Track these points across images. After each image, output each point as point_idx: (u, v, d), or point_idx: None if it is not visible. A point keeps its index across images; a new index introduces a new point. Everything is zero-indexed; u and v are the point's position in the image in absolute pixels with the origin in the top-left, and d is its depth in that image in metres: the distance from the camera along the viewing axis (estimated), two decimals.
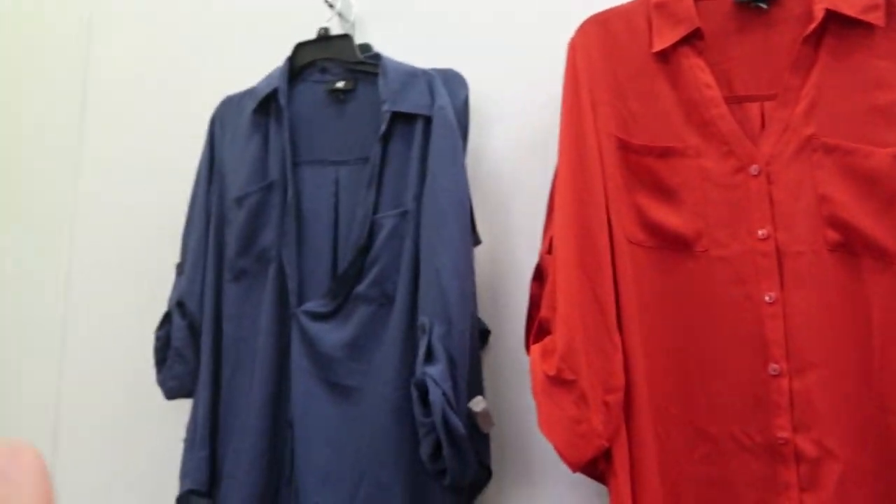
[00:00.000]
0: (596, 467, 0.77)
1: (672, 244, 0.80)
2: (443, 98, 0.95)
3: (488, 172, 1.03)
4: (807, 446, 0.73)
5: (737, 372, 0.76)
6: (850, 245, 0.74)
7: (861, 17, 0.75)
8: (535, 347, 0.80)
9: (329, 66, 1.04)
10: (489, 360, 0.96)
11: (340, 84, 1.02)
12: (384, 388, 0.89)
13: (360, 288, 0.92)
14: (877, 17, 0.75)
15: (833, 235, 0.74)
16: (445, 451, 0.81)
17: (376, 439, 0.88)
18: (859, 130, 0.75)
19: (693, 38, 0.82)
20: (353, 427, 0.89)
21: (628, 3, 0.88)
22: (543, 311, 0.82)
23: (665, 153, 0.82)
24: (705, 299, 0.78)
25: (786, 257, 0.76)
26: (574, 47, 0.88)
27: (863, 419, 0.72)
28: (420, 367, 0.83)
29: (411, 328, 0.89)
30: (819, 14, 0.77)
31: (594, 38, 0.87)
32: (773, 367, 0.74)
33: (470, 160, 0.97)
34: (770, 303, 0.75)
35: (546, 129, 0.95)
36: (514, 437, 0.94)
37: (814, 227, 0.75)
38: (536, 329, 0.83)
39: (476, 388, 0.89)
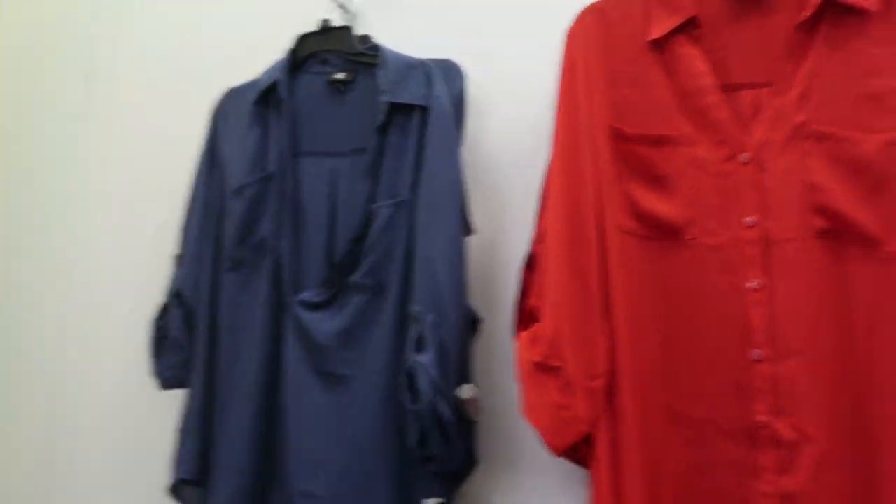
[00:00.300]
0: (579, 452, 0.82)
1: (662, 233, 0.84)
2: (440, 89, 1.00)
3: (485, 162, 1.08)
4: (785, 430, 0.76)
5: (720, 358, 0.80)
6: (837, 232, 0.77)
7: (856, 2, 0.79)
8: (523, 335, 0.84)
9: (330, 58, 1.10)
10: (481, 348, 1.01)
11: (340, 75, 1.09)
12: (376, 377, 0.94)
13: (355, 277, 0.97)
14: (871, 3, 0.79)
15: (820, 222, 0.78)
16: (433, 438, 0.86)
17: (366, 427, 0.93)
18: (851, 117, 0.78)
19: (689, 27, 0.86)
20: (344, 415, 0.95)
21: None
22: (533, 300, 0.86)
23: (658, 142, 0.86)
24: (693, 287, 0.82)
25: (773, 245, 0.79)
26: (571, 36, 0.93)
27: (842, 405, 0.76)
28: (410, 355, 0.88)
29: (404, 317, 0.94)
30: (814, 1, 0.80)
31: (591, 27, 0.92)
32: (756, 353, 0.78)
33: (467, 150, 1.02)
34: (755, 290, 0.79)
35: (543, 118, 1.00)
36: (504, 424, 0.99)
37: (802, 214, 0.79)
38: (525, 317, 0.87)
39: (466, 376, 0.94)
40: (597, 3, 0.93)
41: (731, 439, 0.78)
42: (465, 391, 0.90)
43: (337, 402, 0.95)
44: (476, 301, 1.01)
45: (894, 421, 0.74)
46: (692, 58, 0.86)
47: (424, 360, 0.87)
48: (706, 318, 0.81)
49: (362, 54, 1.08)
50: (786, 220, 0.79)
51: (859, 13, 0.79)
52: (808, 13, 0.81)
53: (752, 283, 0.80)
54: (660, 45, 0.88)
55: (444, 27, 1.15)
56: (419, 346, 0.88)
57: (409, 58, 1.05)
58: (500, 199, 1.07)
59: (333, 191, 1.04)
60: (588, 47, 0.91)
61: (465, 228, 0.98)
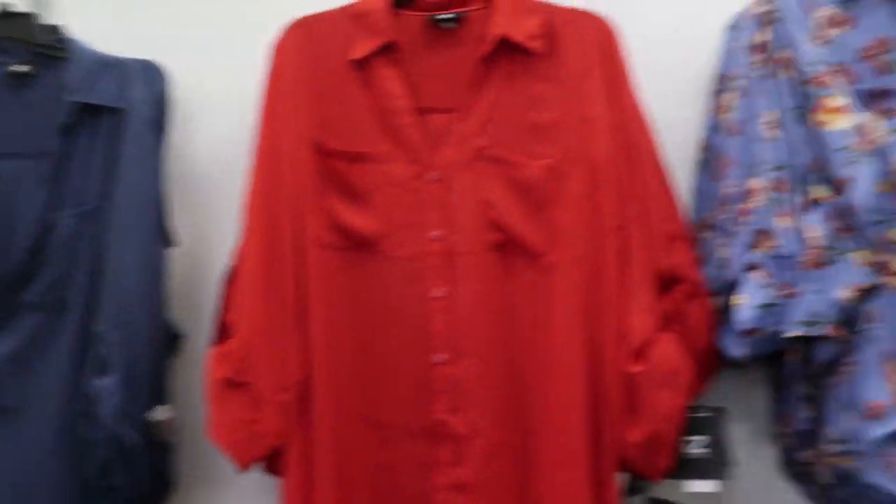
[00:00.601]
0: (273, 464, 0.83)
1: (358, 245, 0.89)
2: (137, 90, 0.96)
3: (191, 170, 1.06)
4: (459, 426, 0.86)
5: (406, 364, 0.87)
6: (507, 245, 0.88)
7: (526, 43, 0.90)
8: (214, 351, 0.84)
9: (9, 47, 0.99)
10: (184, 365, 0.98)
11: (21, 67, 0.98)
12: (52, 406, 0.87)
13: (28, 295, 0.89)
14: (538, 45, 0.91)
15: (493, 237, 0.88)
16: (116, 467, 0.82)
17: (39, 463, 0.86)
18: (521, 144, 0.90)
19: (388, 50, 0.92)
20: (13, 453, 0.86)
21: (334, 9, 0.96)
22: (228, 315, 0.86)
23: (357, 158, 0.91)
24: (385, 297, 0.88)
25: (456, 257, 0.88)
26: (277, 48, 0.94)
27: (508, 399, 0.87)
28: (92, 378, 0.83)
29: (88, 337, 0.87)
30: (491, 38, 0.90)
31: (299, 41, 0.94)
32: (437, 357, 0.87)
33: (172, 157, 0.99)
34: (438, 298, 0.88)
35: (253, 127, 1.00)
36: (208, 444, 0.96)
37: (479, 229, 0.88)
38: (224, 332, 0.86)
39: (160, 396, 0.91)
40: (305, 17, 0.95)
41: (414, 438, 0.86)
42: (159, 412, 0.87)
43: (5, 438, 0.85)
44: (181, 315, 0.98)
45: (549, 414, 0.86)
46: (389, 80, 0.91)
47: (107, 384, 0.82)
48: (396, 326, 0.88)
49: (49, 46, 0.99)
50: (466, 234, 0.89)
51: (529, 52, 0.91)
52: (486, 49, 0.90)
53: (436, 293, 0.88)
54: (361, 64, 0.92)
55: (151, 25, 1.09)
56: (102, 368, 0.83)
57: (105, 55, 0.99)
58: (206, 210, 1.05)
59: (9, 197, 0.93)
60: (295, 60, 0.93)
61: (165, 239, 0.95)
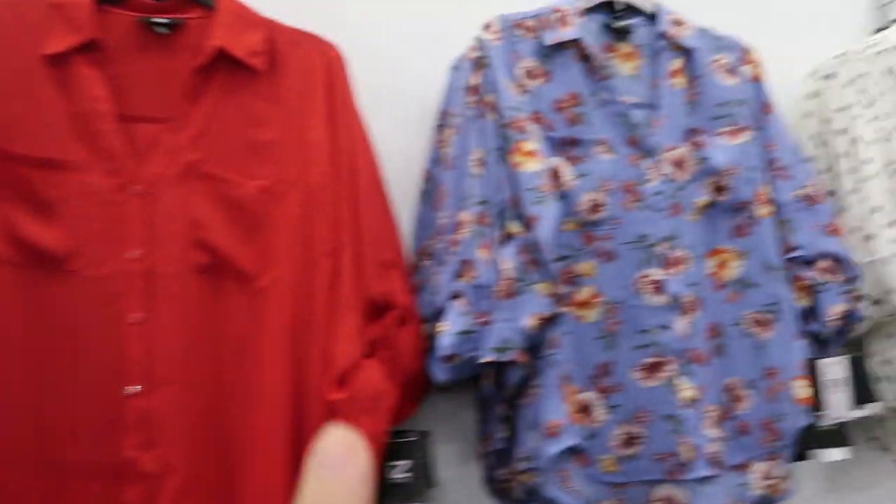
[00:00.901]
0: None
1: (42, 262, 0.80)
2: None
3: None
4: (150, 464, 0.79)
5: (95, 396, 0.79)
6: (216, 267, 0.84)
7: (246, 59, 0.88)
8: None
9: None
10: None
11: None
12: None
13: None
14: (259, 62, 0.88)
15: (201, 257, 0.84)
16: None
17: None
18: (236, 162, 0.86)
19: (90, 48, 0.84)
20: None
21: None
22: None
23: (46, 164, 0.81)
24: (72, 322, 0.80)
25: (158, 278, 0.82)
26: None
27: (209, 433, 0.82)
28: None
29: None
30: (208, 50, 0.86)
31: None
32: (130, 388, 0.80)
33: None
34: (135, 324, 0.81)
35: None
36: None
37: (186, 249, 0.83)
38: None
39: None
40: None
41: (99, 479, 0.78)
42: None
43: None
44: None
45: (252, 446, 0.82)
46: (90, 81, 0.83)
47: None
48: (85, 355, 0.79)
49: None
50: (170, 254, 0.83)
51: (250, 69, 0.88)
52: (202, 60, 0.86)
53: (134, 317, 0.81)
54: (57, 61, 0.83)
55: None
56: None
57: None
58: None
59: None
60: None
61: None
